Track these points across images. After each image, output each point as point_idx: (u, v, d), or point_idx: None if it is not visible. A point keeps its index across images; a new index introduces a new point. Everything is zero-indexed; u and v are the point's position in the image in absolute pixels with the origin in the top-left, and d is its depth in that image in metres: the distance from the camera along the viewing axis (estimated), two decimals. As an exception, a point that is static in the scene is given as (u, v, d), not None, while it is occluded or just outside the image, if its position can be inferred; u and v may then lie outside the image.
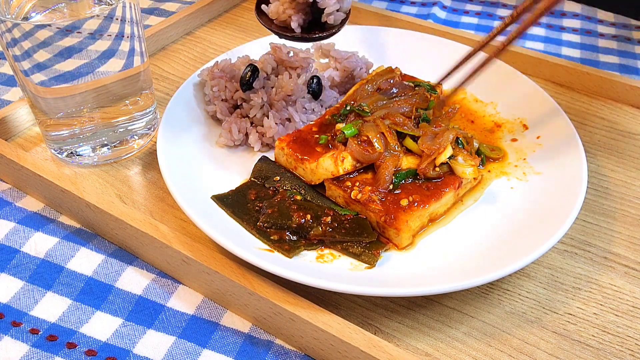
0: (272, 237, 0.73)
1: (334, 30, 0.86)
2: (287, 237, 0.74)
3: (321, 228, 0.74)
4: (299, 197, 0.79)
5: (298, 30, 0.85)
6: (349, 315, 0.69)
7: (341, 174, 0.79)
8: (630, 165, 0.91)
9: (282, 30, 0.86)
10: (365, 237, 0.73)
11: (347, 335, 0.62)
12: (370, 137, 0.79)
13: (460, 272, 0.70)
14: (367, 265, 0.72)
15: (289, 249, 0.72)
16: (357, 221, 0.75)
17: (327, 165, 0.80)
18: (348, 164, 0.80)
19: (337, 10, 0.85)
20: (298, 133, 0.85)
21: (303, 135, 0.85)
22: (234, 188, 0.82)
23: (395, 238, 0.75)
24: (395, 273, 0.71)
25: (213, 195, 0.79)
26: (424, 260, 0.73)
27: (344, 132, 0.80)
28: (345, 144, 0.81)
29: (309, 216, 0.75)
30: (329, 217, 0.75)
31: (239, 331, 0.70)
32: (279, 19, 0.86)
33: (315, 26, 0.86)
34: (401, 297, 0.72)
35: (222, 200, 0.79)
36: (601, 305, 0.72)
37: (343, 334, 0.62)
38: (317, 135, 0.84)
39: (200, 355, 0.67)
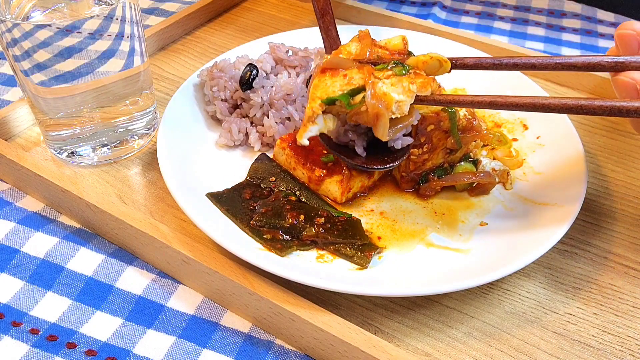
0: (265, 236, 0.74)
1: (404, 157, 0.79)
2: (280, 237, 0.74)
3: (314, 229, 0.74)
4: (293, 198, 0.79)
5: (363, 155, 0.78)
6: (349, 315, 0.69)
7: (342, 202, 0.81)
8: (630, 165, 0.91)
9: (344, 150, 0.79)
10: (357, 239, 0.73)
11: (347, 335, 0.62)
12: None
13: (460, 272, 0.70)
14: (358, 267, 0.72)
15: (282, 248, 0.72)
16: (350, 223, 0.75)
17: (333, 190, 0.81)
18: (352, 194, 0.81)
19: (404, 135, 0.78)
20: None
21: None
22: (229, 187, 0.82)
23: None
24: (395, 273, 0.71)
25: (208, 193, 0.79)
26: (423, 260, 0.73)
27: None
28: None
29: (302, 217, 0.75)
30: (323, 219, 0.75)
31: (239, 331, 0.70)
32: (339, 140, 0.79)
33: (377, 147, 0.79)
34: (401, 297, 0.72)
35: (217, 197, 0.79)
36: (601, 305, 0.72)
37: (343, 334, 0.62)
38: (320, 142, 0.84)
39: (200, 355, 0.67)
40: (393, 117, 0.71)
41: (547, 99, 0.66)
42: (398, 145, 0.78)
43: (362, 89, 0.72)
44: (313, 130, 0.74)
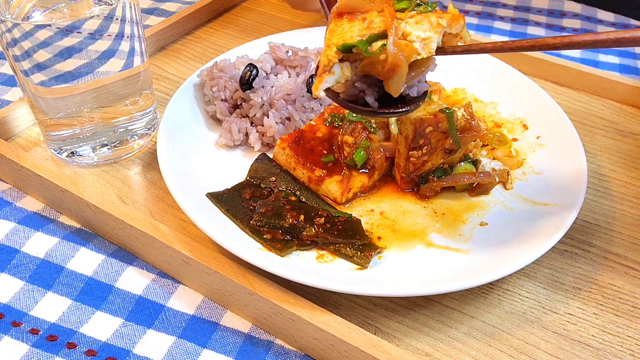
0: (265, 236, 0.74)
1: (420, 103, 0.71)
2: (280, 237, 0.74)
3: (314, 229, 0.74)
4: (293, 198, 0.79)
5: (375, 105, 0.70)
6: (349, 315, 0.69)
7: (342, 202, 0.81)
8: (630, 165, 0.91)
9: (354, 103, 0.71)
10: (357, 239, 0.73)
11: (347, 335, 0.62)
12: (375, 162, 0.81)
13: (460, 272, 0.70)
14: (358, 267, 0.72)
15: (282, 248, 0.72)
16: (350, 223, 0.75)
17: (333, 190, 0.81)
18: (352, 194, 0.81)
19: (419, 82, 0.71)
20: (300, 134, 0.85)
21: (305, 138, 0.85)
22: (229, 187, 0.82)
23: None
24: (395, 273, 0.71)
25: (208, 193, 0.79)
26: (423, 260, 0.73)
27: (353, 159, 0.80)
28: (354, 168, 0.81)
29: (302, 217, 0.75)
30: (323, 219, 0.75)
31: (239, 331, 0.70)
32: (347, 93, 0.71)
33: (390, 97, 0.69)
34: (401, 297, 0.72)
35: (217, 197, 0.79)
36: (601, 305, 0.72)
37: (343, 334, 0.62)
38: (320, 142, 0.84)
39: (200, 355, 0.67)
40: (418, 57, 0.65)
41: (609, 33, 0.58)
42: (414, 92, 0.71)
43: (382, 35, 0.65)
44: (330, 80, 0.67)
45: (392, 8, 0.67)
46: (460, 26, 0.66)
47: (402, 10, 0.67)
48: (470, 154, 0.84)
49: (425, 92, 0.72)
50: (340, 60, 0.67)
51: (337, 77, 0.67)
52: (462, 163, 0.82)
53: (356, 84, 0.70)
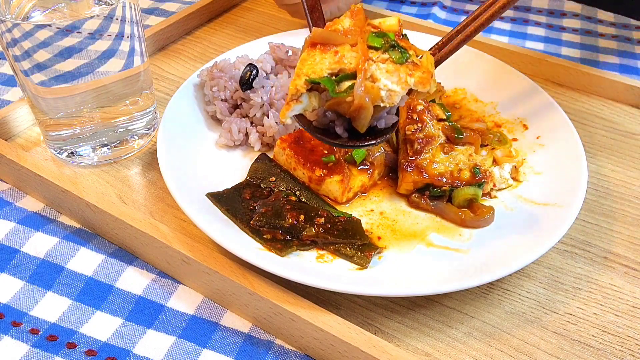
0: (265, 236, 0.73)
1: (387, 135, 0.73)
2: (280, 237, 0.74)
3: (314, 229, 0.74)
4: (293, 198, 0.79)
5: (345, 136, 0.72)
6: (349, 315, 0.69)
7: (343, 202, 0.81)
8: (630, 165, 0.91)
9: (324, 133, 0.73)
10: (357, 239, 0.73)
11: (347, 335, 0.62)
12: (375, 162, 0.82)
13: (460, 272, 0.70)
14: (358, 267, 0.72)
15: (282, 248, 0.72)
16: (350, 223, 0.75)
17: (333, 190, 0.80)
18: (352, 193, 0.81)
19: (387, 113, 0.73)
20: (300, 134, 0.85)
21: (305, 138, 0.85)
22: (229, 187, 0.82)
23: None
24: (395, 273, 0.71)
25: (208, 193, 0.79)
26: (423, 260, 0.73)
27: (352, 155, 0.81)
28: (353, 164, 0.81)
29: (302, 217, 0.75)
30: (323, 219, 0.75)
31: (239, 331, 0.70)
32: (319, 122, 0.74)
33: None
34: (401, 297, 0.72)
35: (217, 197, 0.79)
36: (601, 305, 0.72)
37: (343, 334, 0.62)
38: (320, 142, 0.85)
39: (200, 355, 0.67)
40: (382, 104, 0.68)
41: None
42: (381, 124, 0.73)
43: (351, 75, 0.67)
44: (297, 109, 0.70)
45: (365, 45, 0.69)
46: (426, 90, 0.69)
47: (375, 48, 0.69)
48: (478, 168, 0.80)
49: (395, 124, 0.74)
50: (309, 90, 0.69)
51: (305, 106, 0.70)
52: (467, 187, 0.79)
53: (327, 114, 0.72)
